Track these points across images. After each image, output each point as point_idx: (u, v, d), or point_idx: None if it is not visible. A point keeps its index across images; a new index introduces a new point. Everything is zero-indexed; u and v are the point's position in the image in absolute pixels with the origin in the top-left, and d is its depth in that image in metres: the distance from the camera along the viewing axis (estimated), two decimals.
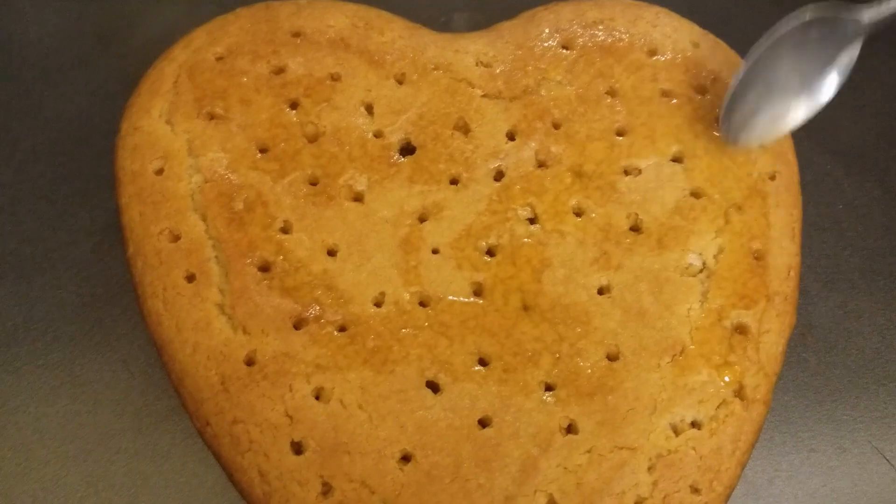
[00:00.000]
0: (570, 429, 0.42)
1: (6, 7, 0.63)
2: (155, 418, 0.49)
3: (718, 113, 0.49)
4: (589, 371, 0.43)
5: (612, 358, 0.44)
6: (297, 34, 0.51)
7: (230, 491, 0.45)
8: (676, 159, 0.49)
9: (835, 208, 0.58)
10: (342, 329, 0.44)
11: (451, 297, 0.45)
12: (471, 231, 0.47)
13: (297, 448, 0.41)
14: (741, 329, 0.45)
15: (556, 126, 0.49)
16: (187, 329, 0.43)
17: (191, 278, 0.44)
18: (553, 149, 0.49)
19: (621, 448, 0.41)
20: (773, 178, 0.49)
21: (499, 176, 0.48)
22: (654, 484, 0.41)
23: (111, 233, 0.52)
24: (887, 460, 0.50)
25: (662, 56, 0.51)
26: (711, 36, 0.53)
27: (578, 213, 0.47)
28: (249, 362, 0.43)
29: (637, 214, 0.47)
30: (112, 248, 0.53)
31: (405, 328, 0.44)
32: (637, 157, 0.49)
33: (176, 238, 0.45)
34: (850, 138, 0.61)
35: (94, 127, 0.57)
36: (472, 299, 0.45)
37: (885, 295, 0.55)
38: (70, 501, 0.47)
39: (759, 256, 0.47)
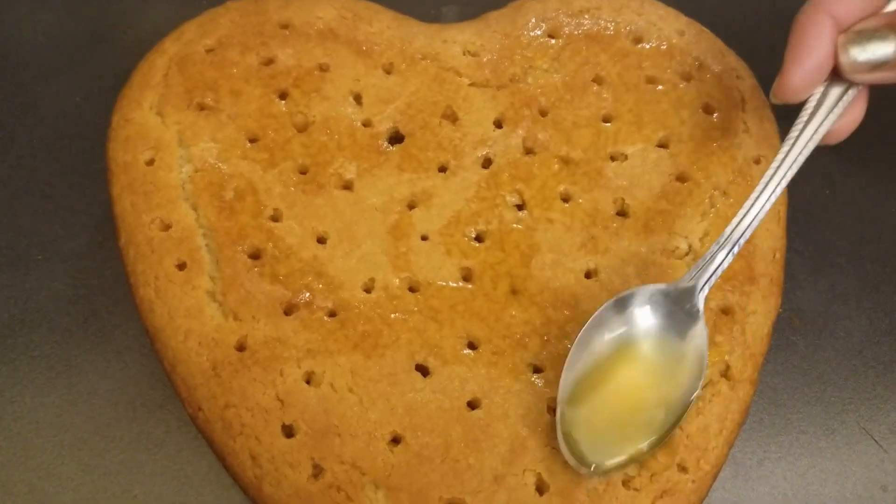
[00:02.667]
0: None
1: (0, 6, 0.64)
2: (149, 407, 0.49)
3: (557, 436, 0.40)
4: None
5: None
6: (285, 26, 0.51)
7: (223, 477, 0.46)
8: (662, 145, 0.49)
9: (822, 194, 0.58)
10: (332, 314, 0.44)
11: (440, 283, 0.45)
12: (459, 217, 0.47)
13: (289, 431, 0.42)
14: (727, 310, 0.45)
15: (543, 113, 0.50)
16: (179, 316, 0.44)
17: (182, 266, 0.45)
18: (540, 136, 0.49)
19: None
20: (757, 162, 0.49)
21: (487, 163, 0.49)
22: (642, 462, 0.41)
23: (105, 226, 0.52)
24: (875, 441, 0.50)
25: (648, 44, 0.52)
26: (696, 24, 0.54)
27: (566, 199, 0.48)
28: (240, 348, 0.43)
29: (624, 199, 0.48)
30: (106, 241, 0.53)
31: (395, 313, 0.45)
32: (623, 143, 0.49)
33: (167, 227, 0.46)
34: None
35: (88, 122, 0.58)
36: (461, 284, 0.46)
37: (873, 279, 0.55)
38: (66, 489, 0.47)
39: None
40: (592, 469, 0.40)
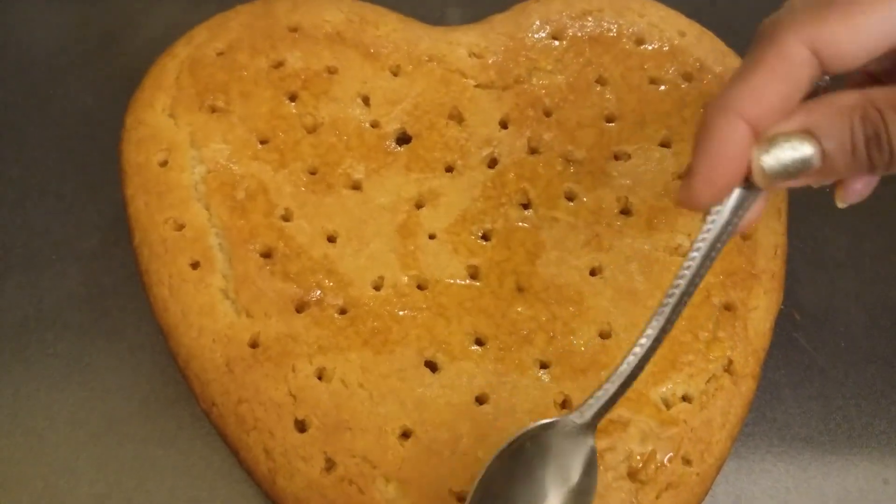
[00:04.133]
0: (565, 404, 0.43)
1: (12, 9, 0.65)
2: (162, 404, 0.50)
3: None
4: (582, 349, 0.45)
5: (604, 336, 0.45)
6: (294, 29, 0.52)
7: (236, 471, 0.47)
8: (665, 144, 0.50)
9: (822, 190, 0.59)
10: (343, 312, 0.45)
11: (448, 280, 0.46)
12: (466, 216, 0.48)
13: (301, 426, 0.43)
14: (729, 306, 0.46)
15: (548, 114, 0.51)
16: (193, 314, 0.45)
17: (195, 265, 0.46)
18: (545, 136, 0.50)
19: (614, 421, 0.43)
20: None
21: (492, 163, 0.50)
22: (647, 455, 0.42)
23: (118, 226, 0.53)
24: (876, 435, 0.51)
25: (650, 45, 0.53)
26: (697, 25, 0.54)
27: (570, 198, 0.49)
28: (253, 344, 0.44)
29: (627, 198, 0.49)
30: (118, 241, 0.54)
31: (404, 310, 0.45)
32: (627, 142, 0.50)
33: (180, 227, 0.47)
34: None
35: (100, 123, 0.59)
36: (468, 282, 0.47)
37: (872, 274, 0.56)
38: (80, 485, 0.48)
39: (745, 236, 0.48)
40: None
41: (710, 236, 0.35)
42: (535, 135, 0.50)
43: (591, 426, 0.38)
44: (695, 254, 0.36)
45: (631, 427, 0.43)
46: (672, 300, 0.36)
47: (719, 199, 0.35)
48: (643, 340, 0.37)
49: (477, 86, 0.52)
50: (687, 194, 0.34)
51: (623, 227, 0.48)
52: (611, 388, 0.37)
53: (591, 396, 0.38)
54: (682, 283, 0.36)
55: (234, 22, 0.52)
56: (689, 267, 0.36)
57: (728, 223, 0.35)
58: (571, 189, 0.49)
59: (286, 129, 0.49)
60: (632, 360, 0.37)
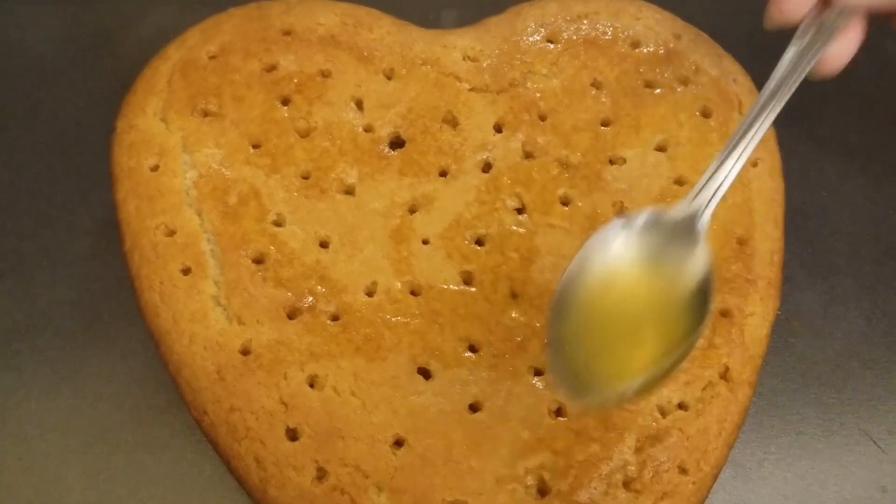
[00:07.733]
0: (559, 412, 0.43)
1: (2, 12, 0.64)
2: (154, 411, 0.50)
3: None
4: None
5: None
6: (287, 32, 0.52)
7: (228, 480, 0.46)
8: (660, 148, 0.50)
9: (819, 196, 0.59)
10: (335, 318, 0.45)
11: (441, 286, 0.46)
12: (460, 221, 0.48)
13: (293, 434, 0.42)
14: (725, 313, 0.46)
15: (543, 118, 0.51)
16: (184, 320, 0.44)
17: (186, 271, 0.45)
18: (540, 140, 0.50)
19: (609, 430, 0.42)
20: (755, 165, 0.50)
21: (487, 167, 0.49)
22: (642, 464, 0.42)
23: (108, 230, 0.53)
24: (874, 442, 0.51)
25: (645, 48, 0.52)
26: (693, 28, 0.54)
27: (565, 203, 0.48)
28: (245, 352, 0.44)
29: (622, 203, 0.48)
30: (110, 245, 0.53)
31: (397, 316, 0.45)
32: (622, 146, 0.50)
33: (171, 232, 0.46)
34: (834, 127, 0.62)
35: (91, 126, 0.58)
36: (461, 287, 0.46)
37: (871, 280, 0.56)
38: (71, 494, 0.48)
39: (742, 242, 0.47)
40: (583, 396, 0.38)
41: (792, 56, 0.41)
42: (529, 139, 0.50)
43: (699, 218, 0.38)
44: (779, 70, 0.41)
45: (626, 436, 0.42)
46: (760, 106, 0.40)
47: (804, 7, 0.41)
48: (740, 130, 0.40)
49: (471, 89, 0.51)
50: (773, 4, 0.41)
51: None
52: (710, 171, 0.39)
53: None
54: (768, 97, 0.40)
55: (226, 24, 0.52)
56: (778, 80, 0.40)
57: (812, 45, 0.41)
58: (566, 194, 0.49)
59: (279, 133, 0.49)
60: (732, 141, 0.39)
